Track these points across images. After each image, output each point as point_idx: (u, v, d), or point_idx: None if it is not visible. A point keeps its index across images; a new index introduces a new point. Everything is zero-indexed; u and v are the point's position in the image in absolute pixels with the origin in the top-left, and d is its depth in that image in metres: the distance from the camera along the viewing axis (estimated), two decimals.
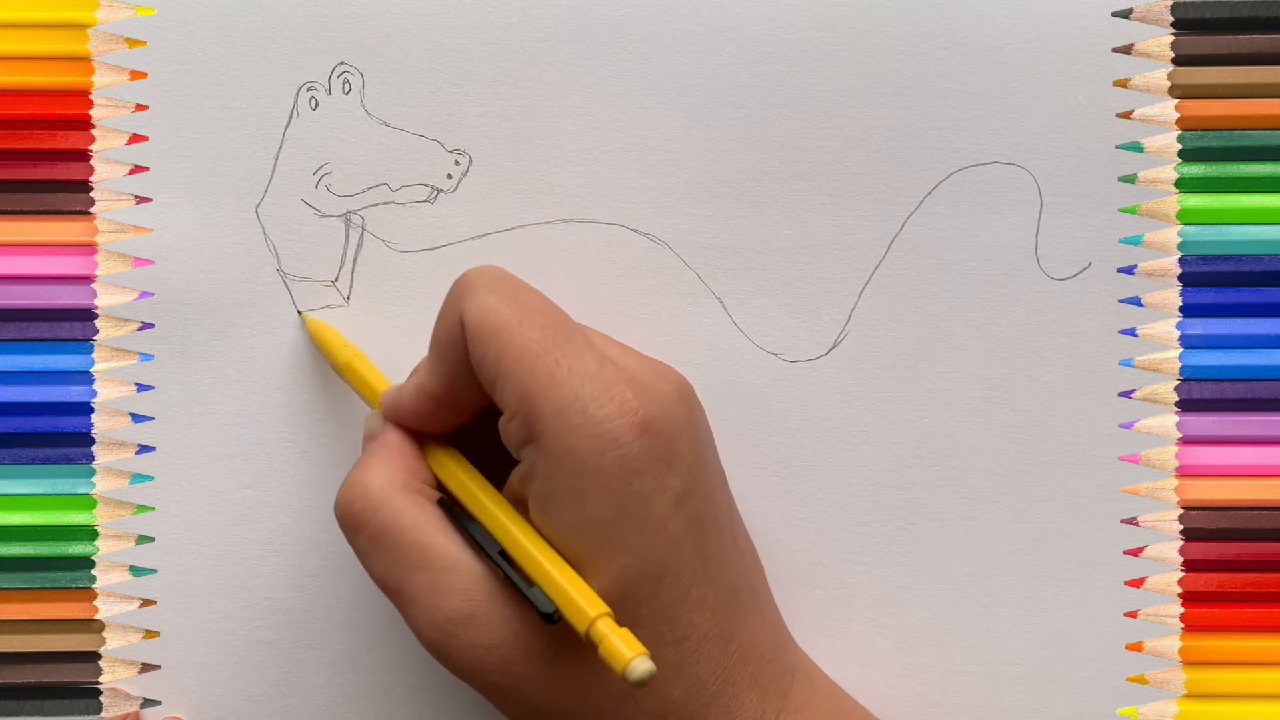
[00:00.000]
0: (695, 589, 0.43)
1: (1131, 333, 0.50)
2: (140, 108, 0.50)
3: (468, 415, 0.45)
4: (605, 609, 0.41)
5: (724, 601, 0.44)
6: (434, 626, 0.43)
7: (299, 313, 0.50)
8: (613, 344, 0.46)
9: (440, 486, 0.46)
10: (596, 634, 0.41)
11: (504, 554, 0.43)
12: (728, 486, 0.46)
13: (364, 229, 0.50)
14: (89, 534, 0.50)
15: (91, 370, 0.50)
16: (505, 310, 0.43)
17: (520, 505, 0.44)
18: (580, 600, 0.41)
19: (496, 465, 0.45)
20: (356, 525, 0.44)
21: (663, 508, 0.43)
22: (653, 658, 0.40)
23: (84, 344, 0.50)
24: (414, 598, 0.43)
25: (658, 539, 0.43)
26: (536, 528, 0.43)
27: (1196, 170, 0.50)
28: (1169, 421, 0.50)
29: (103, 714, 0.50)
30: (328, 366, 0.50)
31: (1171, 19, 0.50)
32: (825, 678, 0.47)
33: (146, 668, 0.50)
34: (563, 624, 0.42)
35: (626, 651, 0.40)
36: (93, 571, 0.50)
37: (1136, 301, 0.50)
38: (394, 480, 0.44)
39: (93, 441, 0.50)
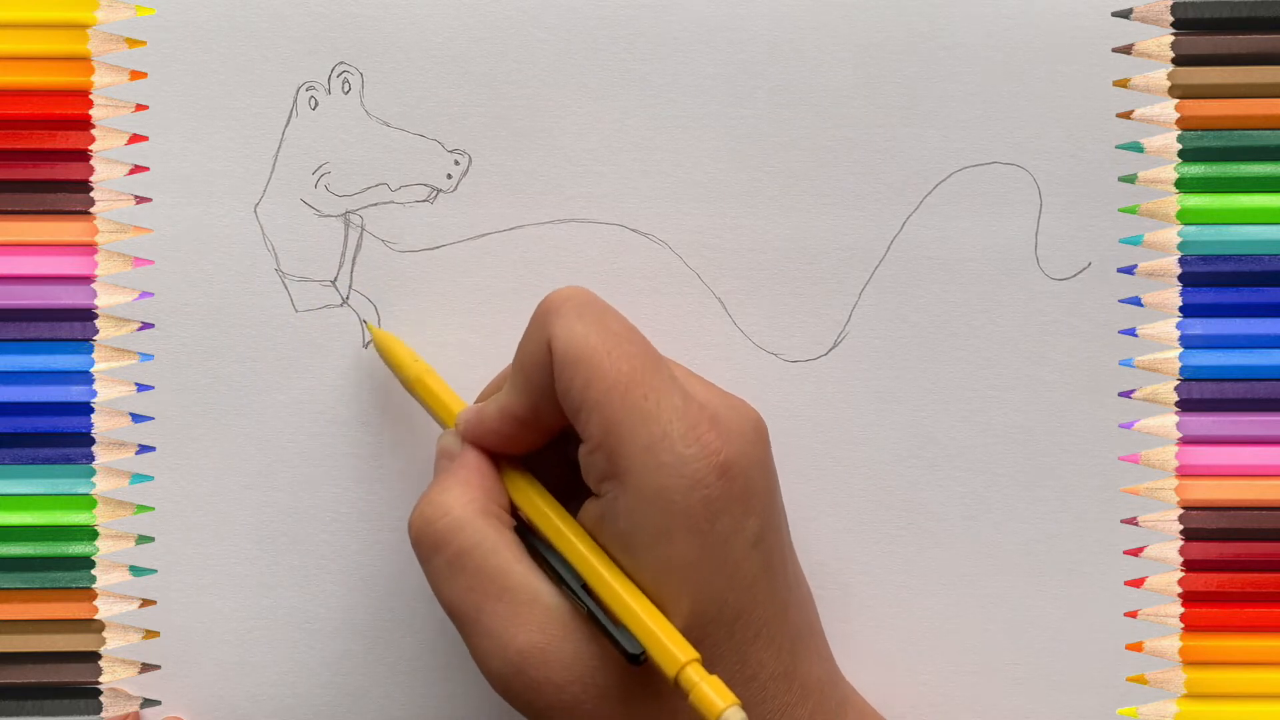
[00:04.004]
0: (766, 629, 0.43)
1: (1131, 333, 0.50)
2: (140, 108, 0.50)
3: (548, 437, 0.45)
4: (695, 654, 0.41)
5: (789, 640, 0.44)
6: (504, 660, 0.42)
7: (364, 323, 0.49)
8: (691, 377, 0.45)
9: (515, 513, 0.45)
10: (687, 680, 0.40)
11: (586, 589, 0.42)
12: (788, 523, 0.46)
13: (363, 229, 0.50)
14: (89, 534, 0.50)
15: (91, 370, 0.50)
16: (594, 338, 0.42)
17: (593, 537, 0.43)
18: (670, 644, 0.41)
19: (564, 490, 0.45)
20: (435, 545, 0.43)
21: (740, 549, 0.42)
22: None
23: (84, 344, 0.50)
24: (488, 628, 0.42)
25: (735, 580, 0.42)
26: (615, 562, 0.43)
27: (1196, 170, 0.50)
28: (1169, 421, 0.50)
29: (103, 714, 0.50)
30: (326, 365, 0.50)
31: (1171, 19, 0.50)
32: (870, 708, 0.47)
33: (146, 668, 0.50)
34: (638, 666, 0.41)
35: (718, 701, 0.40)
36: (93, 571, 0.50)
37: (1136, 301, 0.50)
38: (474, 502, 0.44)
39: (93, 441, 0.50)
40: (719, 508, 0.42)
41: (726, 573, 0.42)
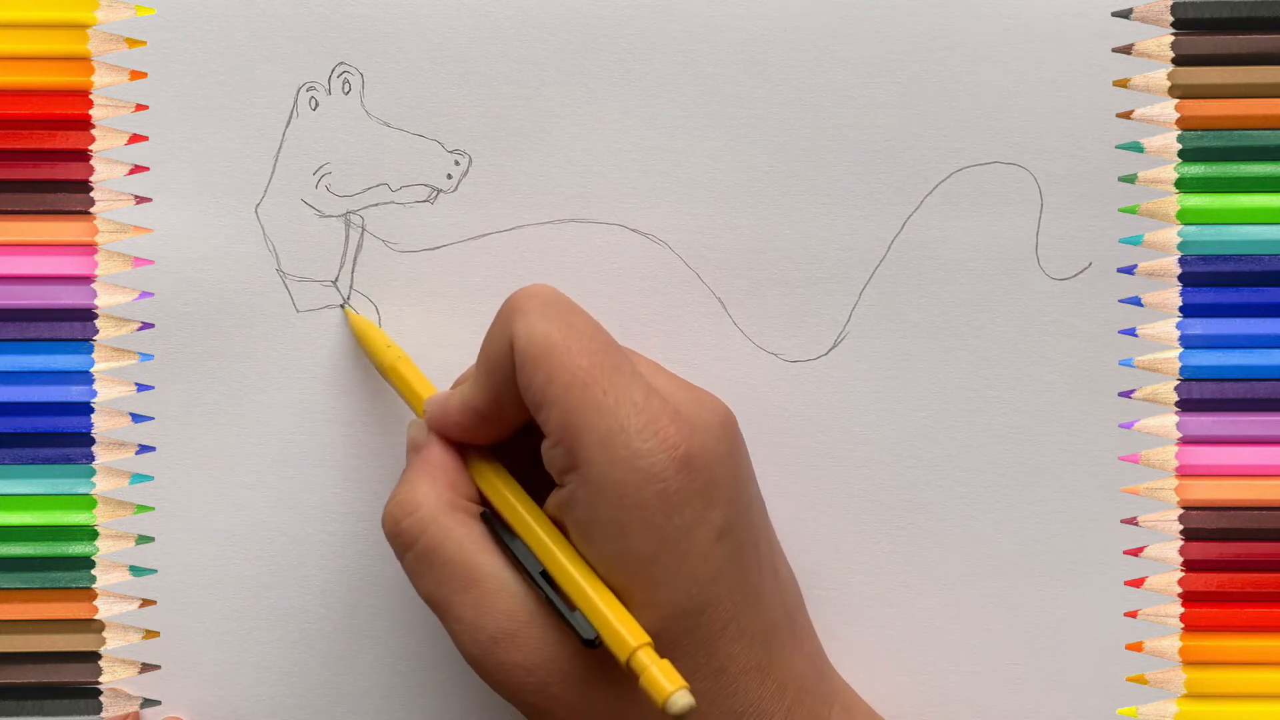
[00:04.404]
0: (734, 622, 0.43)
1: (1131, 333, 0.50)
2: (140, 108, 0.50)
3: (511, 430, 0.45)
4: (646, 638, 0.41)
5: (762, 633, 0.44)
6: (476, 645, 0.43)
7: (342, 307, 0.50)
8: (659, 372, 0.45)
9: (483, 499, 0.45)
10: (637, 664, 0.41)
11: (545, 575, 0.43)
12: (766, 515, 0.46)
13: (364, 229, 0.50)
14: (89, 534, 0.50)
15: (91, 370, 0.50)
16: (555, 335, 0.43)
17: (559, 526, 0.44)
18: (622, 628, 0.42)
19: (536, 477, 0.45)
20: (405, 543, 0.44)
21: (703, 542, 0.43)
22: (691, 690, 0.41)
23: (84, 344, 0.50)
24: (459, 616, 0.44)
25: (698, 573, 0.43)
26: (578, 551, 0.43)
27: (1196, 170, 0.50)
28: (1169, 421, 0.50)
29: (103, 714, 0.50)
30: (327, 366, 0.50)
31: (1171, 19, 0.50)
32: (863, 705, 0.47)
33: (146, 668, 0.50)
34: (603, 650, 0.42)
35: (667, 684, 0.40)
36: (93, 571, 0.50)
37: (1136, 301, 0.50)
38: (440, 497, 0.44)
39: (93, 441, 0.50)
40: (678, 501, 0.42)
41: (688, 567, 0.42)
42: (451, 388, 0.47)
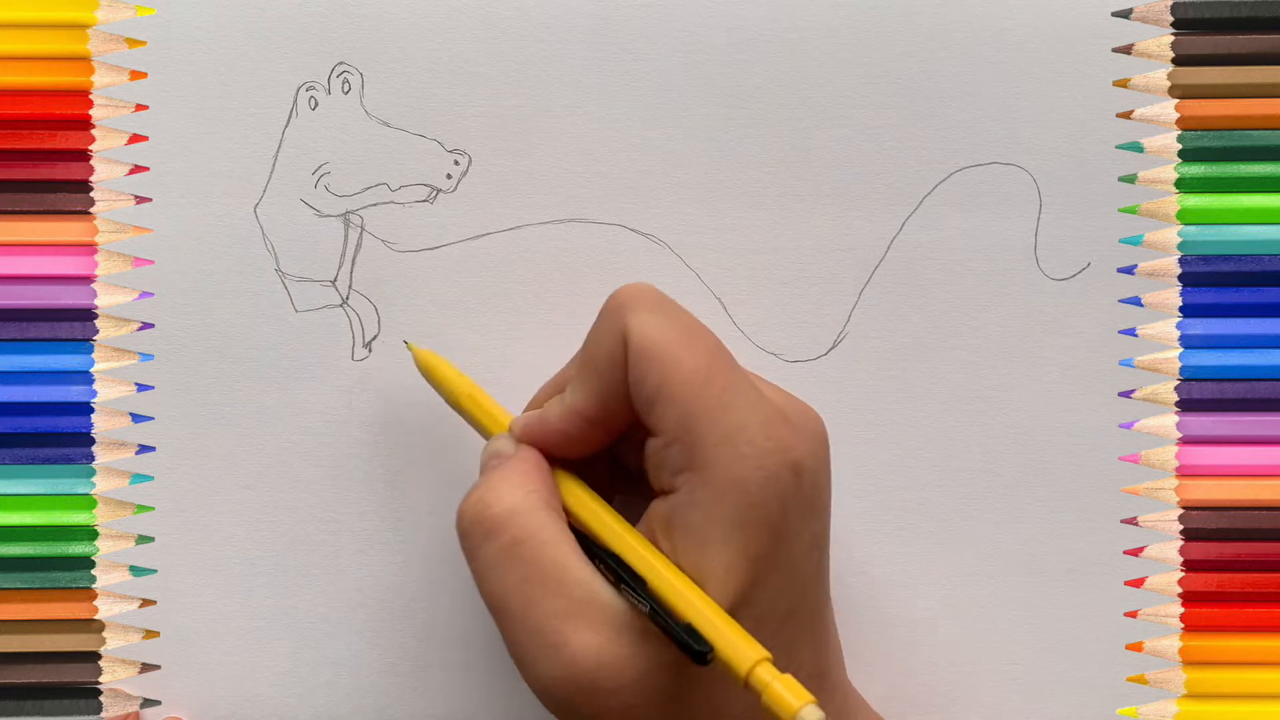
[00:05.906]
0: (809, 630, 0.43)
1: (1131, 333, 0.50)
2: (140, 108, 0.50)
3: (613, 438, 0.44)
4: (765, 653, 0.39)
5: (823, 643, 0.44)
6: (555, 660, 0.40)
7: (405, 343, 0.49)
8: (758, 377, 0.45)
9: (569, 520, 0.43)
10: (758, 680, 0.39)
11: (649, 590, 0.41)
12: None
13: (363, 229, 0.50)
14: (89, 534, 0.50)
15: (91, 370, 0.50)
16: (670, 332, 0.42)
17: (652, 539, 0.42)
18: (740, 642, 0.40)
19: (609, 499, 0.44)
20: (488, 532, 0.41)
21: (801, 549, 0.42)
22: None
23: (84, 344, 0.50)
24: (539, 625, 0.41)
25: (793, 579, 0.42)
26: (676, 562, 0.41)
27: (1196, 170, 0.50)
28: (1169, 421, 0.50)
29: (103, 714, 0.50)
30: (327, 366, 0.50)
31: (1171, 19, 0.50)
32: (877, 716, 0.47)
33: (146, 668, 0.50)
34: (694, 667, 0.40)
35: (794, 700, 0.38)
36: (93, 571, 0.50)
37: (1136, 301, 0.50)
38: (535, 493, 0.42)
39: (93, 441, 0.50)
40: (789, 505, 0.41)
41: (787, 571, 0.42)
42: (526, 410, 0.46)
